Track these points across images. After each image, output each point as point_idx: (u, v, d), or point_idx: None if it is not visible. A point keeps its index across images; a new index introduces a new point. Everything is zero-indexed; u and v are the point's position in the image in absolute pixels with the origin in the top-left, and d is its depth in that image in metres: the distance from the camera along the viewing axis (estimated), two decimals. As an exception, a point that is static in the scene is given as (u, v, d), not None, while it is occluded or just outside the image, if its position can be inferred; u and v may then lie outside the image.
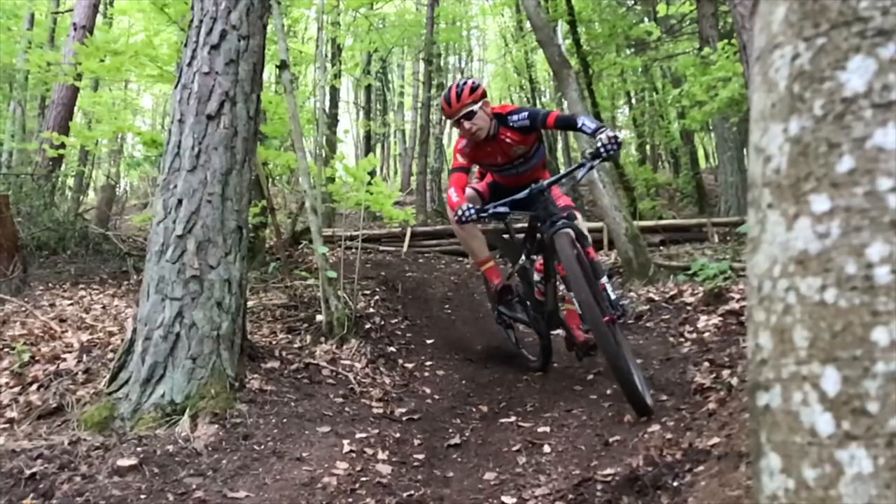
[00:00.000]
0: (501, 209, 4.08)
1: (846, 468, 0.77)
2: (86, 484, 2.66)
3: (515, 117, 4.26)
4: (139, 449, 2.96)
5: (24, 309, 5.32)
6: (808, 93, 0.85)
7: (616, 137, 3.71)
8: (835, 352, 0.79)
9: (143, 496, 2.63)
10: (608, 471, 2.73)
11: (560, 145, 20.08)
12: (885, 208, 0.77)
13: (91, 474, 2.74)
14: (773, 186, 0.89)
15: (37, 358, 4.05)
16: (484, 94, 4.28)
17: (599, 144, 3.72)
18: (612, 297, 3.86)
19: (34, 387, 3.69)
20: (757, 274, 0.92)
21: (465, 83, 4.27)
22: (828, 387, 0.79)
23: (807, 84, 0.85)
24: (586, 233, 4.06)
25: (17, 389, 3.70)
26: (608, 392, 3.94)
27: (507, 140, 4.32)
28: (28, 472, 2.69)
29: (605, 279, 3.90)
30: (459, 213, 3.98)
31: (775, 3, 0.92)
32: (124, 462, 2.83)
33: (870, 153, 0.78)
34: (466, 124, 4.22)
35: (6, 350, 4.20)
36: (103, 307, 5.83)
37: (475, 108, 4.19)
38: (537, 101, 19.87)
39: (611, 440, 3.14)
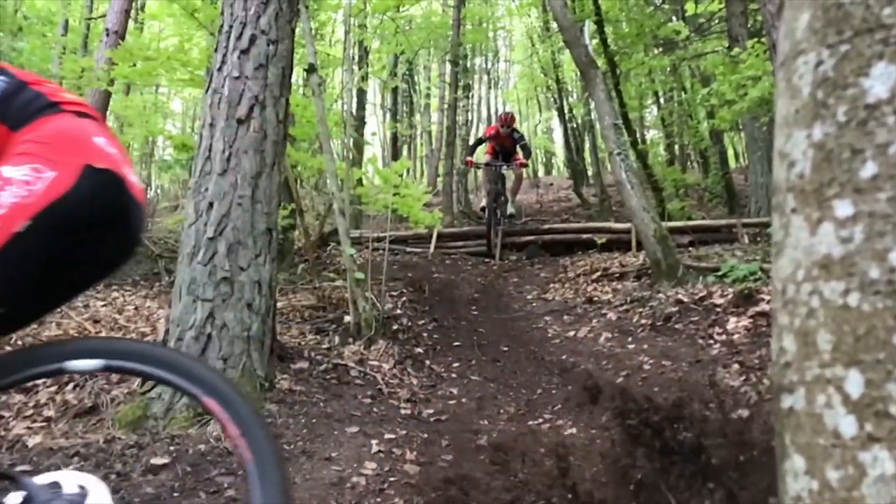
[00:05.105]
0: None
1: (869, 469, 0.77)
2: (120, 482, 2.72)
3: None
4: (172, 448, 3.02)
5: (59, 310, 5.43)
6: (832, 99, 0.85)
7: None
8: (858, 355, 0.80)
9: (175, 494, 2.68)
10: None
11: (587, 145, 19.88)
12: (908, 213, 0.77)
13: (125, 472, 2.81)
14: (797, 191, 0.89)
15: (72, 358, 4.13)
16: None
17: None
18: None
19: (70, 386, 3.77)
20: (781, 278, 0.93)
21: None
22: (851, 389, 0.80)
23: (830, 91, 0.86)
24: None
25: (53, 389, 3.78)
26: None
27: None
28: (65, 469, 2.75)
29: None
30: None
31: (799, 9, 0.92)
32: (157, 461, 2.89)
33: (892, 159, 0.79)
34: None
35: (43, 350, 4.29)
36: (136, 308, 5.93)
37: None
38: (564, 102, 19.72)
39: (638, 442, 3.13)
